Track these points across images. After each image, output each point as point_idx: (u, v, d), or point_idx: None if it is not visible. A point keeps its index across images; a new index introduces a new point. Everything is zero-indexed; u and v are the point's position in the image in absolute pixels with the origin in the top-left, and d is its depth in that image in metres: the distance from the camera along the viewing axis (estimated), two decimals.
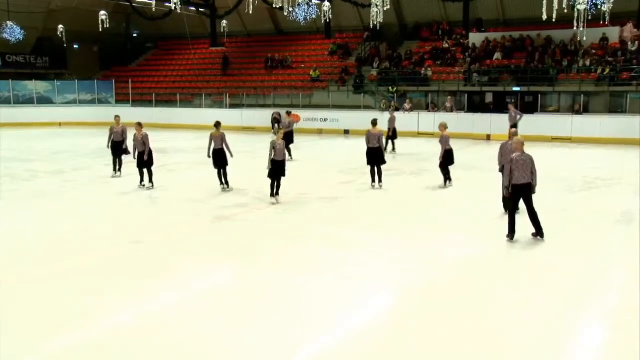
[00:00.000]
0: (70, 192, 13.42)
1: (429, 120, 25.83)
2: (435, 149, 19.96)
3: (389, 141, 20.43)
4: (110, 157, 15.53)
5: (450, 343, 5.68)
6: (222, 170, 13.27)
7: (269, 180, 11.86)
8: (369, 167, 13.70)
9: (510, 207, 9.17)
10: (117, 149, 15.19)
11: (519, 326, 6.01)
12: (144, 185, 13.48)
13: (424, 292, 7.08)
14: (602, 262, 8.20)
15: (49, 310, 6.47)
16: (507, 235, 9.08)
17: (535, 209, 8.99)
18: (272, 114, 28.83)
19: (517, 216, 9.18)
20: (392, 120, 20.98)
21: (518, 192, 8.92)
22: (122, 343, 5.73)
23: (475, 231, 9.69)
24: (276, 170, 11.73)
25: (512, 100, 20.69)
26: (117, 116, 15.80)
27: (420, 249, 8.80)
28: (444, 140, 13.37)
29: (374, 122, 13.89)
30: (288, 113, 19.72)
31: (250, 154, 19.01)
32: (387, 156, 18.35)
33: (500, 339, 5.76)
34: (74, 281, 7.43)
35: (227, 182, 13.38)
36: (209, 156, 13.20)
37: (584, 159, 19.10)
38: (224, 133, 13.21)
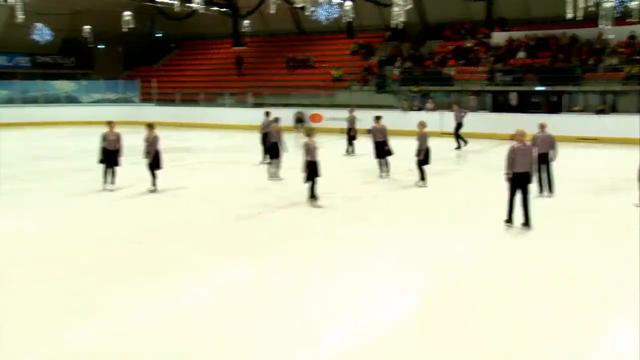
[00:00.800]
0: (93, 192, 13.57)
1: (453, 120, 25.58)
2: (461, 150, 20.06)
3: (349, 142, 19.80)
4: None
5: (466, 343, 5.69)
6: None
7: (292, 179, 11.77)
8: (377, 160, 14.94)
9: (512, 194, 9.50)
10: (110, 159, 13.43)
11: (535, 326, 5.98)
12: (155, 188, 13.15)
13: (444, 293, 7.10)
14: (626, 263, 8.09)
15: (49, 310, 6.49)
16: (506, 221, 9.57)
17: (530, 200, 9.58)
18: (296, 114, 28.99)
19: (534, 215, 9.54)
20: (351, 120, 20.05)
21: (517, 180, 9.39)
22: (123, 343, 5.76)
23: (498, 232, 9.63)
24: (312, 172, 11.43)
25: (456, 100, 22.55)
26: (110, 122, 13.75)
27: (440, 249, 8.77)
28: (423, 138, 13.42)
29: (378, 118, 15.38)
30: (267, 114, 17.73)
31: None
32: (344, 157, 18.84)
33: (516, 339, 5.74)
34: (74, 281, 7.49)
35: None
36: (265, 145, 15.17)
37: (611, 160, 18.77)
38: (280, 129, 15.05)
